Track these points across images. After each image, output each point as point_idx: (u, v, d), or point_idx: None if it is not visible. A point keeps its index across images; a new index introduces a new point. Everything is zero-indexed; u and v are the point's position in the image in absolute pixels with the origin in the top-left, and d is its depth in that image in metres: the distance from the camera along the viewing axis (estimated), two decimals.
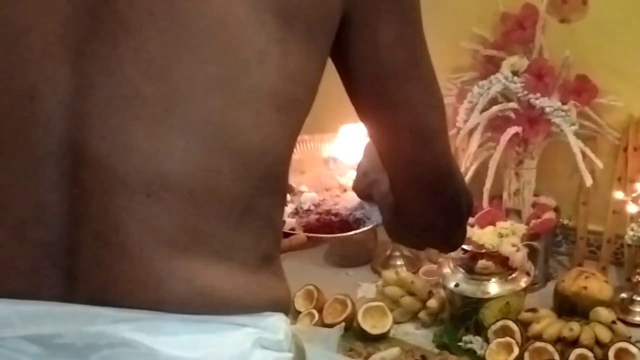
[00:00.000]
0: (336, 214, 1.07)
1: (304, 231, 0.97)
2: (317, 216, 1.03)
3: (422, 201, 0.89)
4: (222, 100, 0.72)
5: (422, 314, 1.71)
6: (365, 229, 1.05)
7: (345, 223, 1.06)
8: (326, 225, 1.02)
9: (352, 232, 1.04)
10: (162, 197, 0.71)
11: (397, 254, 1.94)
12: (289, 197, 1.02)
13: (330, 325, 1.63)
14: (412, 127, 0.84)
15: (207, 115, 0.71)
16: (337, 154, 1.13)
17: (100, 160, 0.70)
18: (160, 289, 0.71)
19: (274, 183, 0.78)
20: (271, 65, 0.73)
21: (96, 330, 0.70)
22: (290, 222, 0.98)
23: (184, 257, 0.71)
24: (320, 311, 1.70)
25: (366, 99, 0.85)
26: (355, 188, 1.04)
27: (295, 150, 0.81)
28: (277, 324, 0.76)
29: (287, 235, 0.96)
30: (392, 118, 0.84)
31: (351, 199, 1.07)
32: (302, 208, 1.03)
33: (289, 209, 1.00)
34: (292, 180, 1.04)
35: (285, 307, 0.79)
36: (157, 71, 0.70)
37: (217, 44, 0.71)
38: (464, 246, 1.64)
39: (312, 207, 1.03)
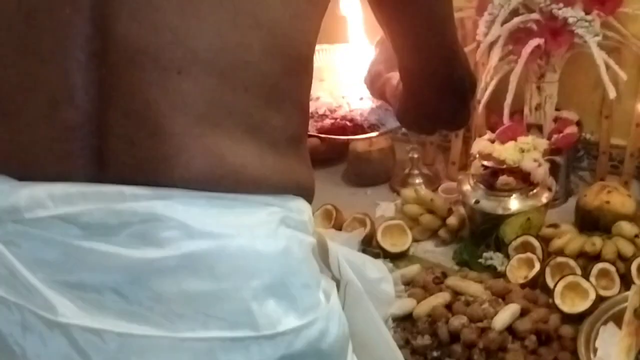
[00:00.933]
0: (351, 119, 1.07)
1: (318, 133, 0.97)
2: (332, 121, 1.03)
3: (431, 85, 0.95)
4: None
5: (441, 232, 1.70)
6: (379, 132, 1.05)
7: (359, 128, 1.06)
8: (340, 129, 1.02)
9: (366, 136, 1.04)
10: (193, 73, 0.71)
11: (416, 172, 1.92)
12: None
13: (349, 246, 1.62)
14: (425, 14, 0.89)
15: None
16: (356, 64, 1.12)
17: (129, 38, 0.71)
18: (191, 165, 0.72)
19: (302, 64, 0.79)
20: None
21: (127, 208, 0.71)
22: None
23: (215, 134, 0.72)
24: (339, 230, 1.70)
25: None
26: (369, 86, 1.07)
27: (315, 58, 0.82)
28: (301, 206, 0.78)
29: None
30: (406, 5, 0.88)
31: (367, 106, 1.06)
32: (317, 113, 1.02)
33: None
34: (320, 86, 1.04)
35: (310, 193, 0.81)
36: None
37: None
38: (485, 162, 1.62)
39: (328, 113, 1.02)
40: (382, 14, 0.90)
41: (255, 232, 0.72)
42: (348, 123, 1.07)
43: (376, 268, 0.98)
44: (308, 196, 0.81)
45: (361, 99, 1.11)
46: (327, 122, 1.02)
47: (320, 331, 0.75)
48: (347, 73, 1.20)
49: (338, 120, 1.04)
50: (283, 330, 0.72)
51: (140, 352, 0.71)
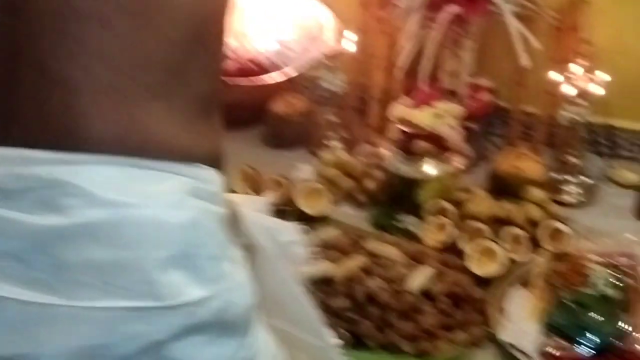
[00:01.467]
0: (256, 61, 1.05)
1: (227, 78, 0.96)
2: (238, 65, 1.02)
3: None
4: None
5: (359, 195, 1.72)
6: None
7: (264, 71, 1.05)
8: (247, 71, 1.01)
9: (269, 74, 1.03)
10: (114, 25, 0.70)
11: (335, 135, 1.93)
12: None
13: None
14: None
15: None
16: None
17: None
18: (99, 128, 0.70)
19: (215, 30, 0.79)
20: None
21: (30, 173, 0.69)
22: None
23: (123, 96, 0.71)
24: (257, 192, 1.70)
25: None
26: None
27: None
28: (212, 177, 0.77)
29: None
30: None
31: (271, 46, 1.05)
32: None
33: None
34: None
35: (220, 164, 0.80)
36: None
37: None
38: (402, 127, 1.64)
39: (230, 53, 1.01)
40: None
41: (162, 202, 0.71)
42: (253, 66, 1.05)
43: (288, 231, 0.99)
44: (219, 165, 0.80)
45: (264, 37, 1.08)
46: (233, 65, 1.01)
47: (225, 302, 0.75)
48: (248, 8, 1.16)
49: (243, 62, 1.03)
50: (186, 301, 0.72)
51: (40, 320, 0.69)
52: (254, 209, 0.97)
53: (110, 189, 0.69)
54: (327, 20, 0.99)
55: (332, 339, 1.03)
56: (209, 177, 0.77)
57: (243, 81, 1.06)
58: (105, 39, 0.70)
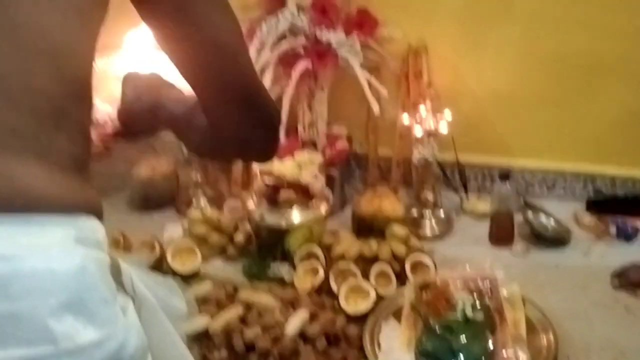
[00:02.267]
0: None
1: (101, 142, 0.99)
2: (114, 128, 1.05)
3: (237, 117, 0.97)
4: (29, 4, 0.76)
5: (229, 249, 1.75)
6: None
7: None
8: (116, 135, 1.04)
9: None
10: None
11: (200, 193, 1.96)
12: None
13: None
14: (217, 43, 0.92)
15: (17, 19, 0.75)
16: (126, 66, 1.14)
17: None
18: None
19: (84, 88, 0.82)
20: None
21: None
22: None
23: (3, 157, 0.73)
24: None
25: (169, 18, 0.90)
26: (127, 121, 1.09)
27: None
28: (94, 225, 0.79)
29: None
30: (196, 35, 0.91)
31: None
32: (98, 121, 1.04)
33: None
34: None
35: (100, 214, 0.82)
36: None
37: None
38: (266, 179, 1.69)
39: (109, 120, 1.04)
40: (173, 51, 0.93)
41: (49, 252, 0.73)
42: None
43: (166, 285, 1.01)
44: (99, 216, 0.82)
45: None
46: (109, 128, 1.04)
47: (120, 343, 0.77)
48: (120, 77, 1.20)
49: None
50: (82, 343, 0.73)
51: None
52: (132, 266, 0.99)
53: None
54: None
55: None
56: (91, 226, 0.79)
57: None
58: None
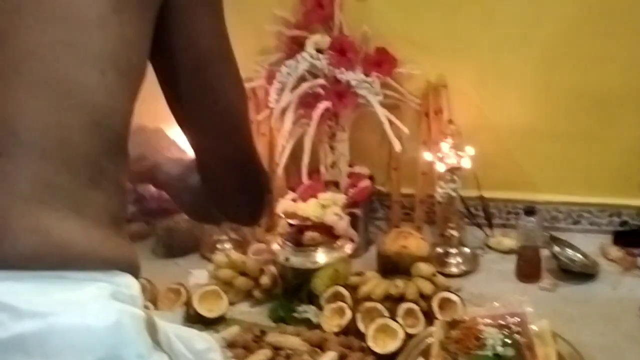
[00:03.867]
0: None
1: (144, 215, 1.00)
2: (157, 203, 1.05)
3: (230, 182, 1.01)
4: (68, 60, 0.76)
5: (256, 292, 1.74)
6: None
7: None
8: (165, 210, 1.05)
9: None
10: (16, 154, 0.73)
11: (225, 237, 1.96)
12: (130, 186, 1.05)
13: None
14: (226, 113, 0.96)
15: (56, 74, 0.76)
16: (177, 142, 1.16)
17: None
18: (16, 244, 0.71)
19: (121, 144, 0.82)
20: (111, 30, 0.79)
21: None
22: (130, 209, 0.99)
23: (39, 212, 0.73)
24: (154, 303, 1.70)
25: (184, 87, 0.93)
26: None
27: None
28: (129, 281, 0.78)
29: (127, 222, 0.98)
30: (209, 105, 0.94)
31: None
32: (144, 197, 1.05)
33: (129, 197, 1.02)
34: None
35: (136, 269, 0.81)
36: (2, 37, 0.74)
37: (58, 7, 0.77)
38: (290, 221, 1.69)
39: (155, 195, 1.05)
40: (182, 110, 0.96)
41: (84, 308, 0.72)
42: (171, 205, 1.11)
43: (203, 339, 1.00)
44: (134, 272, 0.81)
45: None
46: (153, 204, 1.05)
47: None
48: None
49: (164, 202, 1.08)
50: None
51: None
52: (167, 321, 0.98)
53: (33, 301, 0.70)
54: None
55: None
56: (126, 282, 0.78)
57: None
58: (7, 169, 0.72)
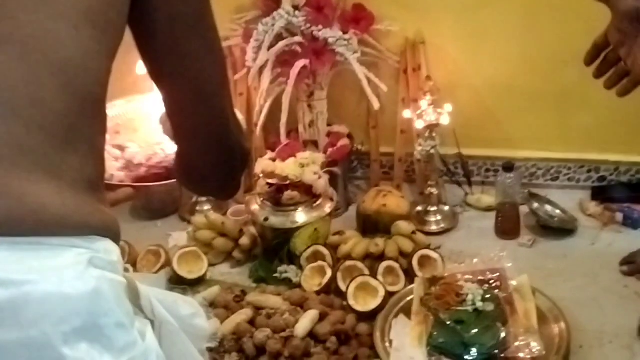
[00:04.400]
0: (165, 166, 1.07)
1: (133, 182, 0.97)
2: (146, 169, 1.03)
3: (200, 153, 0.98)
4: (38, 13, 0.73)
5: (235, 253, 1.74)
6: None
7: (172, 172, 1.07)
8: (155, 176, 1.03)
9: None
10: None
11: (204, 199, 1.95)
12: (119, 153, 1.03)
13: None
14: (196, 80, 0.92)
15: (25, 29, 0.73)
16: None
17: None
18: None
19: (96, 106, 0.79)
20: None
21: None
22: (119, 175, 0.97)
23: (11, 175, 0.70)
24: (134, 265, 1.69)
25: (157, 51, 0.90)
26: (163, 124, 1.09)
27: (127, 110, 0.84)
28: (109, 247, 0.76)
29: (114, 188, 0.96)
30: (179, 69, 0.91)
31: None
32: (132, 162, 1.02)
33: (119, 164, 0.99)
34: (125, 138, 1.03)
35: (116, 235, 0.79)
36: None
37: None
38: (269, 180, 1.68)
39: (143, 161, 1.02)
40: (155, 73, 0.93)
41: (61, 275, 0.70)
42: (162, 170, 1.08)
43: (188, 304, 0.98)
44: (114, 237, 0.79)
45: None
46: (142, 170, 1.03)
47: None
48: (159, 120, 1.20)
49: (152, 168, 1.05)
50: None
51: None
52: (151, 285, 0.96)
53: (7, 269, 0.68)
54: None
55: None
56: (105, 247, 0.76)
57: (148, 185, 1.09)
58: None
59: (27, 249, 0.69)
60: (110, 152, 0.96)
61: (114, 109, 1.42)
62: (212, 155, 0.98)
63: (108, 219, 0.79)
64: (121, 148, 1.03)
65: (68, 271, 0.71)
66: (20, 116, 0.71)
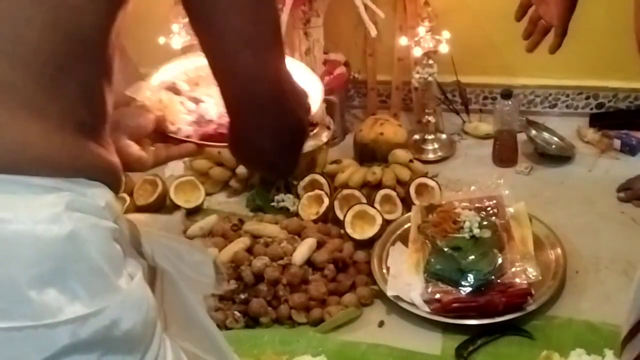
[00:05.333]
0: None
1: (200, 139, 0.94)
2: (215, 126, 0.98)
3: (248, 120, 0.82)
4: None
5: (232, 182, 1.74)
6: None
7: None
8: (222, 135, 0.96)
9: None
10: None
11: None
12: (194, 107, 0.97)
13: (143, 207, 1.63)
14: (243, 35, 0.76)
15: None
16: None
17: None
18: None
19: (91, 49, 0.74)
20: None
21: None
22: (187, 130, 0.93)
23: None
24: (130, 194, 1.69)
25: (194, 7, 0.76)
26: None
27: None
28: (97, 191, 0.73)
29: (178, 142, 0.93)
30: (222, 22, 0.76)
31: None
32: (203, 118, 0.98)
33: (191, 117, 0.96)
34: (203, 91, 0.99)
35: (113, 180, 0.76)
36: None
37: None
38: None
39: (215, 118, 0.98)
40: (201, 29, 0.78)
41: (35, 217, 0.67)
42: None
43: (196, 251, 0.95)
44: (111, 182, 0.75)
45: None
46: (211, 127, 0.97)
47: (111, 319, 0.71)
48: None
49: (221, 126, 0.98)
50: (65, 319, 0.67)
51: None
52: (162, 228, 0.93)
53: None
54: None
55: None
56: (93, 191, 0.72)
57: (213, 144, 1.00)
58: None
59: (3, 187, 0.67)
60: (185, 104, 0.91)
61: (197, 60, 1.36)
62: (262, 125, 0.81)
63: (102, 163, 0.75)
64: (196, 101, 0.97)
65: (43, 212, 0.68)
66: (4, 52, 0.68)
